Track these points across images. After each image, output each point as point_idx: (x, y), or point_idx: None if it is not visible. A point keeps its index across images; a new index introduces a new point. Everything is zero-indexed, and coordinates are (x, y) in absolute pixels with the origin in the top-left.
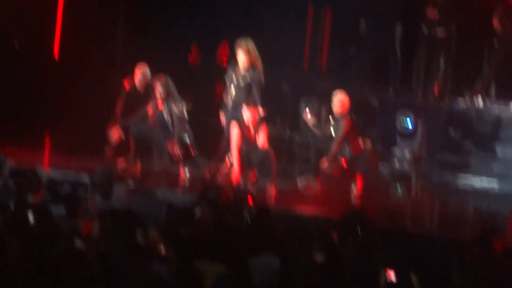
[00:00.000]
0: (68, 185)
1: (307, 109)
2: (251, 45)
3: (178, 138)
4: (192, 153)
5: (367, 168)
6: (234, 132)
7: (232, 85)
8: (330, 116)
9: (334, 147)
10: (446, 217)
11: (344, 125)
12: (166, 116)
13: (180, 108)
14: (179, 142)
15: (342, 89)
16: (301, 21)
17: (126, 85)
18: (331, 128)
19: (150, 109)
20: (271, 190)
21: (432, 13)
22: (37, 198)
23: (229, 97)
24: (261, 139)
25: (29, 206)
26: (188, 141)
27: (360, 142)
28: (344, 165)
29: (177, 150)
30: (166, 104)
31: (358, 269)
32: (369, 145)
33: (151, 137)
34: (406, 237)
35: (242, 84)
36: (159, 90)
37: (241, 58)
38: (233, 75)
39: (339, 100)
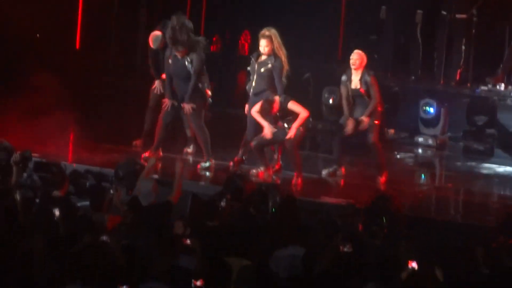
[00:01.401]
0: (93, 178)
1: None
2: (274, 33)
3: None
4: (208, 95)
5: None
6: (250, 119)
7: (253, 73)
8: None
9: (372, 103)
10: (471, 204)
11: (372, 81)
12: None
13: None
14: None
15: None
16: (322, 10)
17: (150, 43)
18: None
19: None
20: (296, 180)
21: None
22: (62, 192)
23: (250, 84)
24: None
25: (54, 200)
26: (206, 86)
27: None
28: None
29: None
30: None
31: (384, 258)
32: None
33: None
34: (430, 225)
35: (263, 71)
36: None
37: (263, 45)
38: (255, 63)
39: (357, 53)
